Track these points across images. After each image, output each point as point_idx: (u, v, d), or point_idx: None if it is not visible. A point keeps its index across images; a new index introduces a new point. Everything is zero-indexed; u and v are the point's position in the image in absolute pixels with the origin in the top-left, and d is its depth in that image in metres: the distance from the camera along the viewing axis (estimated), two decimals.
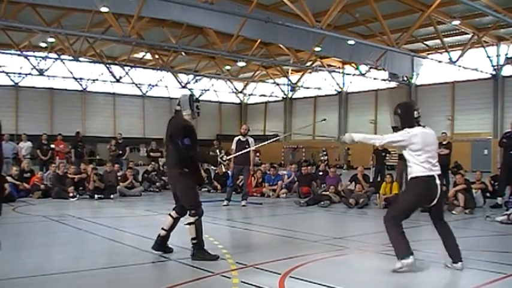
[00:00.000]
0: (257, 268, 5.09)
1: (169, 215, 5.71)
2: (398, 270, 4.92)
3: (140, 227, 8.11)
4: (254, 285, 4.38)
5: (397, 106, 5.31)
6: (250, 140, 11.30)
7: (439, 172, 5.09)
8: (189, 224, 5.42)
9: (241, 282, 4.49)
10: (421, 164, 4.99)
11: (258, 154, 29.60)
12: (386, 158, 15.31)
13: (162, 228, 5.65)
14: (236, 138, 11.39)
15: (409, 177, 5.14)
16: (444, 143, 14.16)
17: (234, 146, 11.20)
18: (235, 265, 5.15)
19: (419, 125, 5.13)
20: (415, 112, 5.16)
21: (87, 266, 5.23)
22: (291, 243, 6.64)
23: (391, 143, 5.24)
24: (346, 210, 10.96)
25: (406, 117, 5.17)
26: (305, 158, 33.35)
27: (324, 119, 5.59)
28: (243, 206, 11.21)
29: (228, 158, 5.61)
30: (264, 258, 5.50)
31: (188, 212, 5.49)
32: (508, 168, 11.20)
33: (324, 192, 12.21)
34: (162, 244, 5.67)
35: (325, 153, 31.99)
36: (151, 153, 17.49)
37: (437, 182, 5.00)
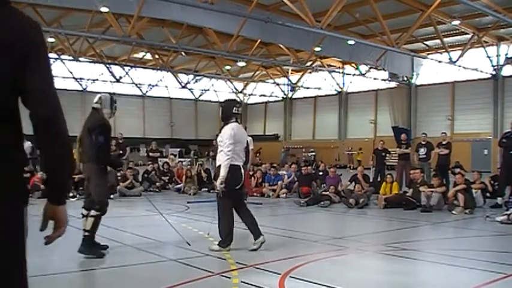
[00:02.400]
0: (257, 268, 5.09)
1: (83, 215, 5.78)
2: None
3: (140, 227, 8.10)
4: (254, 285, 4.38)
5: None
6: (249, 139, 11.31)
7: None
8: (90, 216, 5.59)
9: (241, 282, 4.49)
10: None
11: (257, 154, 29.52)
12: (386, 158, 15.34)
13: (85, 230, 5.62)
14: None
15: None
16: (444, 143, 14.18)
17: None
18: (235, 265, 5.15)
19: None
20: (235, 108, 6.24)
21: (87, 266, 5.23)
22: (291, 243, 6.65)
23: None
24: (346, 210, 10.96)
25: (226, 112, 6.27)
26: (304, 158, 33.27)
27: None
28: None
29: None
30: (264, 258, 5.50)
31: (95, 206, 5.63)
32: (508, 168, 11.19)
33: (324, 192, 12.22)
34: (93, 245, 5.65)
35: (313, 153, 31.59)
36: (151, 153, 17.48)
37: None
